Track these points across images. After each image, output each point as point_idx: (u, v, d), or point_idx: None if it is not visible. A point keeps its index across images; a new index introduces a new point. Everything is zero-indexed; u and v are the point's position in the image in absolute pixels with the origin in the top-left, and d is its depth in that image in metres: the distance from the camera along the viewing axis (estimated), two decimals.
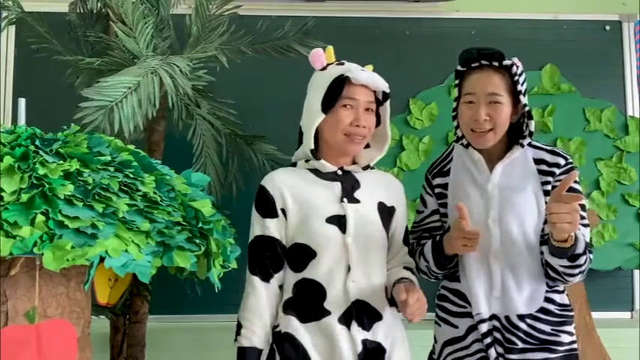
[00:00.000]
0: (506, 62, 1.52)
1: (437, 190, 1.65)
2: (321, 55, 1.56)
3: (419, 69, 2.72)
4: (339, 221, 1.48)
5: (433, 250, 1.57)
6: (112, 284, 1.43)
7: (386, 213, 1.56)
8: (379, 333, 1.48)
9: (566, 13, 2.82)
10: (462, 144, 1.62)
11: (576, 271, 1.44)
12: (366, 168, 1.58)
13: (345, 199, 1.51)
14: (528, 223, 1.51)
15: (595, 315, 2.45)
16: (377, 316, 1.48)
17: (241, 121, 2.24)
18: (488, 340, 1.51)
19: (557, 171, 1.54)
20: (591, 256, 1.48)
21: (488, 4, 2.80)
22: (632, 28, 2.81)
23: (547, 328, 1.51)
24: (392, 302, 1.50)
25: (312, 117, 1.52)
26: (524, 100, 1.54)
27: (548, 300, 1.52)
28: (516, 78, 1.53)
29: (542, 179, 1.54)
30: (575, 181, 1.49)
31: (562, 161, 1.54)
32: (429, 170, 1.71)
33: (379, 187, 1.58)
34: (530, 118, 1.55)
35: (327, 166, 1.53)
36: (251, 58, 2.28)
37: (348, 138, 1.50)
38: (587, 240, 1.49)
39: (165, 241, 1.31)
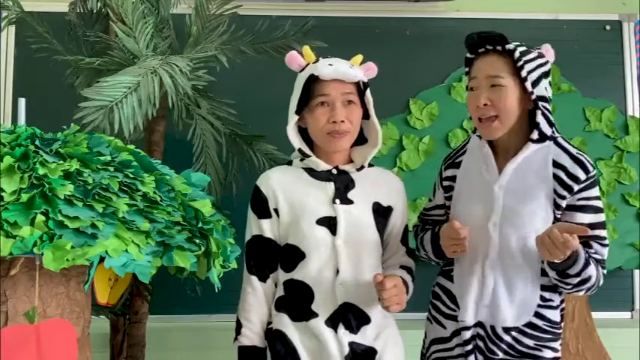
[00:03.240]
0: (509, 46, 1.43)
1: (445, 184, 1.60)
2: (295, 58, 1.53)
3: (419, 69, 2.72)
4: (329, 223, 1.46)
5: (432, 242, 1.57)
6: (112, 284, 1.43)
7: (381, 214, 1.53)
8: (369, 335, 1.46)
9: (566, 13, 2.82)
10: (478, 135, 1.54)
11: (568, 287, 1.40)
12: (360, 169, 1.54)
13: (337, 200, 1.48)
14: (530, 236, 1.41)
15: (595, 315, 2.45)
16: (365, 319, 1.46)
17: (241, 121, 2.24)
18: (469, 347, 1.49)
19: (576, 187, 1.42)
20: (604, 271, 1.43)
21: (488, 4, 2.80)
22: (632, 28, 2.81)
23: (531, 342, 1.46)
24: None
25: (290, 119, 1.51)
26: (529, 87, 1.42)
27: (537, 315, 1.46)
28: (520, 63, 1.42)
29: (558, 191, 1.43)
30: (597, 197, 1.43)
31: (582, 175, 1.41)
32: (444, 160, 1.65)
33: (376, 186, 1.55)
34: (537, 108, 1.42)
35: (321, 165, 1.52)
36: (251, 58, 2.28)
37: (330, 136, 1.48)
38: (601, 258, 1.44)
39: (165, 241, 1.31)
